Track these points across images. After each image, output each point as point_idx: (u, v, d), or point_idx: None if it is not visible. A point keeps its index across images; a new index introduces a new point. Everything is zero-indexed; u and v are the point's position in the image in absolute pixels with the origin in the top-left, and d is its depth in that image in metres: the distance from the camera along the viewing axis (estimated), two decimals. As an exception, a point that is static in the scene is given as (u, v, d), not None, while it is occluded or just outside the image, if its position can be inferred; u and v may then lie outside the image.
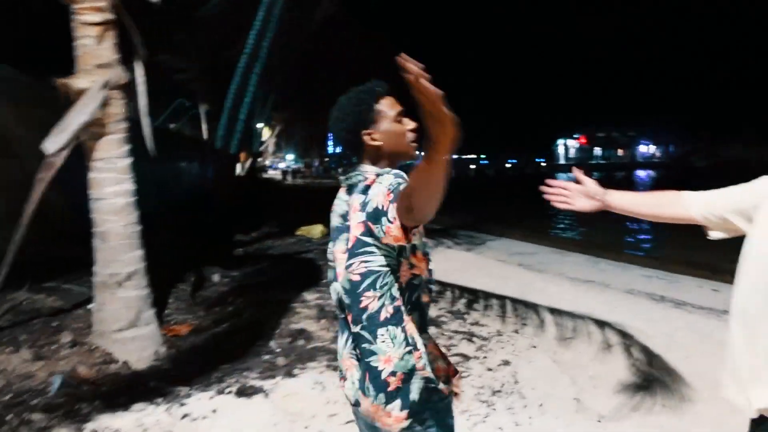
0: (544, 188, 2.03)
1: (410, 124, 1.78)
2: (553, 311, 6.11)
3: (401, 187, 1.50)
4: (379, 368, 1.61)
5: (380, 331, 1.61)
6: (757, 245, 1.62)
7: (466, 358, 4.69)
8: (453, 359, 4.62)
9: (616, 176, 69.27)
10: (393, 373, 1.61)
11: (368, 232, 1.58)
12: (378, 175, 1.66)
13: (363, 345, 1.63)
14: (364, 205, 1.59)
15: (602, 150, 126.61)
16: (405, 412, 1.61)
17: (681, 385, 4.23)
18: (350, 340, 1.72)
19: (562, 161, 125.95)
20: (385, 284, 1.61)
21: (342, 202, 1.77)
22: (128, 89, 4.46)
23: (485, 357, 4.74)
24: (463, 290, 7.09)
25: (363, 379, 1.66)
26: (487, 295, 6.86)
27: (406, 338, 1.63)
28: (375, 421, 1.64)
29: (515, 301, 6.59)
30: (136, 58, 4.58)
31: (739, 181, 1.79)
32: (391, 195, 1.51)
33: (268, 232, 11.80)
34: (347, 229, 1.68)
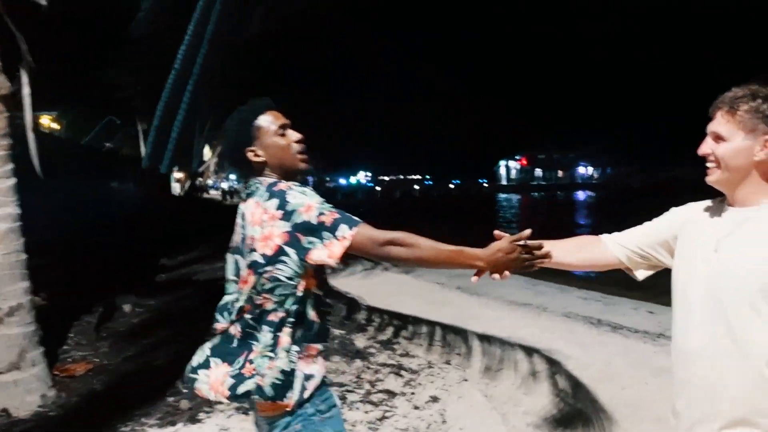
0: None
1: (294, 136, 1.81)
2: (486, 339, 5.84)
3: (370, 231, 1.63)
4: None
5: (265, 327, 1.68)
6: (678, 276, 1.63)
7: (392, 395, 4.34)
8: (378, 396, 4.28)
9: (557, 196, 70.87)
10: (250, 362, 1.69)
11: (294, 243, 1.62)
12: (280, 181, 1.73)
13: (248, 329, 1.71)
14: (287, 214, 1.61)
15: (543, 171, 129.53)
16: (228, 393, 1.69)
17: (610, 421, 3.99)
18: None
19: (504, 182, 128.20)
20: (284, 295, 1.66)
21: (242, 212, 1.78)
22: (12, 101, 3.98)
23: (413, 393, 4.40)
24: (395, 317, 6.77)
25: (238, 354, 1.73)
26: (420, 322, 6.55)
27: (273, 344, 1.68)
28: (216, 391, 1.72)
29: (448, 329, 6.30)
30: (22, 66, 4.10)
31: (672, 199, 1.85)
32: (337, 215, 1.60)
33: (198, 255, 11.18)
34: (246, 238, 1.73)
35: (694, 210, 1.66)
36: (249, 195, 1.75)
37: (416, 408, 4.12)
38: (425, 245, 1.69)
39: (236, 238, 1.80)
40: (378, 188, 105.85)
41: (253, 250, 1.66)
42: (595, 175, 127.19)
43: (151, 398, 4.08)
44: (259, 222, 1.65)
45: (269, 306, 1.67)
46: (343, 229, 1.58)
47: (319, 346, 1.77)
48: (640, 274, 1.77)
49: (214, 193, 54.05)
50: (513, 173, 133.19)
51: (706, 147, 1.54)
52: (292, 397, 1.68)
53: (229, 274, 1.83)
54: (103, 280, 7.36)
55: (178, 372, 4.62)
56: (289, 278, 1.64)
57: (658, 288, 1.66)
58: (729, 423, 1.44)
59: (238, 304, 1.74)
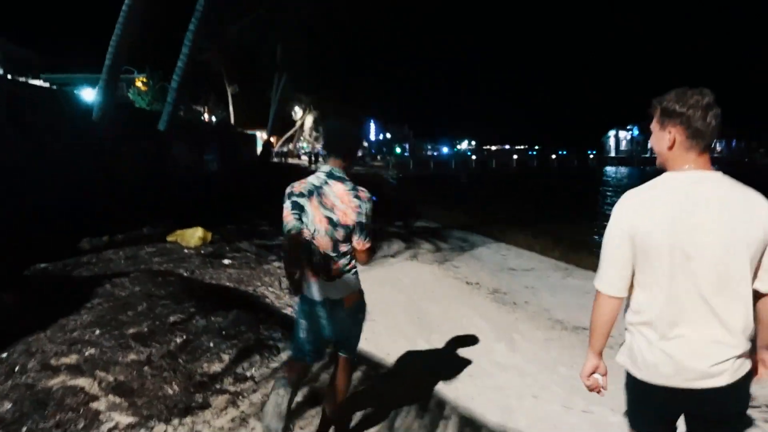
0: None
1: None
2: None
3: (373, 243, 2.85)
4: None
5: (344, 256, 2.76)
6: None
7: None
8: None
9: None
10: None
11: (354, 229, 2.69)
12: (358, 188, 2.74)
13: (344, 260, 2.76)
14: (360, 214, 2.66)
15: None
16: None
17: None
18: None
19: (612, 153, 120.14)
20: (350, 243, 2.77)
21: (329, 187, 2.69)
22: None
23: None
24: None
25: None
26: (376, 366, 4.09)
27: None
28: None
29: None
30: None
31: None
32: (371, 226, 2.76)
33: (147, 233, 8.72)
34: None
35: None
36: (331, 176, 2.68)
37: None
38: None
39: (307, 189, 2.66)
40: (474, 157, 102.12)
41: (344, 221, 2.66)
42: (718, 148, 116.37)
43: None
44: (348, 205, 2.64)
45: (345, 249, 2.72)
46: (369, 237, 2.73)
47: None
48: None
49: (305, 158, 51.89)
50: (623, 144, 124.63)
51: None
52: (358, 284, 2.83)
53: (298, 211, 2.65)
54: None
55: None
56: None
57: None
58: None
59: (341, 239, 2.69)
